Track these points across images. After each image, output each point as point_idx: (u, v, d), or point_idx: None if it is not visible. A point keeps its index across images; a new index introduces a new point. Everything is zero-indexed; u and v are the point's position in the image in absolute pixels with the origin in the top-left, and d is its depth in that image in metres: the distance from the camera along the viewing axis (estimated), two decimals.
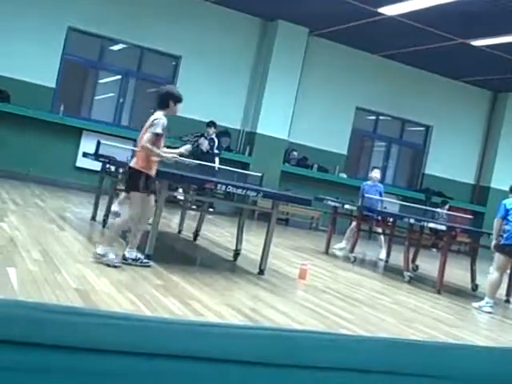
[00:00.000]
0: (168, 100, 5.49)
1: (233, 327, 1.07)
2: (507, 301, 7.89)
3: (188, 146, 6.28)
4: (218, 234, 9.48)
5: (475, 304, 6.88)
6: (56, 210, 8.53)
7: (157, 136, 5.31)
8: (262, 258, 6.38)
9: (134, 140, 11.71)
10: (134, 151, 6.16)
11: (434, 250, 12.57)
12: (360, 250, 10.04)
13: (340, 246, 10.30)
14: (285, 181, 13.89)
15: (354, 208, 9.94)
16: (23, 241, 5.63)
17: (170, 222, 9.46)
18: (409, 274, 8.02)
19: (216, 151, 12.21)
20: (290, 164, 14.49)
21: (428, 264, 10.06)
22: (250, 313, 4.59)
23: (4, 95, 11.82)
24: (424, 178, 16.49)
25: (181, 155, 5.86)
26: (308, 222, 14.39)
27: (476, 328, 5.99)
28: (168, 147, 6.07)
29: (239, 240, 6.95)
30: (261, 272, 6.35)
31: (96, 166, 9.03)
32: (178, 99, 5.53)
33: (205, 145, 12.16)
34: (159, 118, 5.39)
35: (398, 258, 9.33)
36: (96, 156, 8.15)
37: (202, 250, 7.63)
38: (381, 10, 11.63)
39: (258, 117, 13.90)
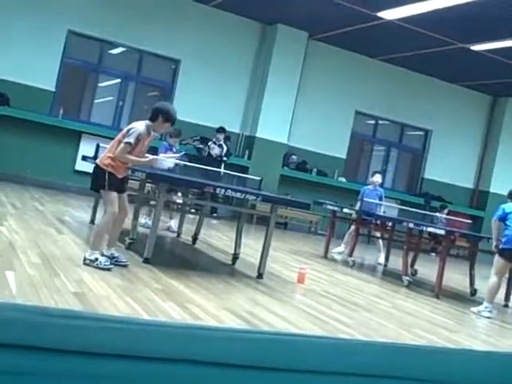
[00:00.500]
0: (158, 114, 5.45)
1: (231, 331, 1.07)
2: (506, 305, 7.89)
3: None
4: (217, 237, 9.48)
5: (474, 309, 6.88)
6: (55, 213, 8.53)
7: (129, 145, 5.31)
8: (260, 262, 6.38)
9: None
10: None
11: (432, 254, 12.56)
12: (359, 254, 10.03)
13: (339, 250, 10.29)
14: (284, 185, 13.90)
15: (353, 212, 9.95)
16: (22, 244, 5.62)
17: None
18: (407, 278, 8.02)
19: (225, 158, 12.33)
20: (289, 168, 14.50)
21: (427, 268, 10.05)
22: (249, 317, 4.59)
23: (3, 98, 11.83)
24: (423, 183, 16.50)
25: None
26: (307, 226, 14.39)
27: (474, 333, 5.99)
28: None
29: (238, 244, 6.95)
30: (259, 276, 6.34)
31: None
32: (168, 118, 5.45)
33: (215, 150, 12.27)
34: (135, 127, 5.38)
35: (396, 262, 9.33)
36: (95, 159, 8.13)
37: (200, 254, 7.62)
38: (380, 14, 11.65)
39: (257, 121, 13.91)
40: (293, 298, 5.95)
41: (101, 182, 5.39)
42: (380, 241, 10.42)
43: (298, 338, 1.11)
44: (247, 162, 13.78)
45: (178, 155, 6.96)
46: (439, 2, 10.31)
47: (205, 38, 13.51)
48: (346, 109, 15.11)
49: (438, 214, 12.58)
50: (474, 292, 8.24)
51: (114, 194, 5.40)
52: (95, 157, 8.17)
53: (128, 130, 5.38)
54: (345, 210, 10.01)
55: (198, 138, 13.36)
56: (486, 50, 12.70)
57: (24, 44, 12.02)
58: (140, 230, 7.39)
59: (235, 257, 6.94)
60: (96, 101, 13.55)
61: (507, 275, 7.73)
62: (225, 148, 12.42)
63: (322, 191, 13.98)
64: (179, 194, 8.28)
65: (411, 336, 5.00)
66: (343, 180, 15.00)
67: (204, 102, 13.49)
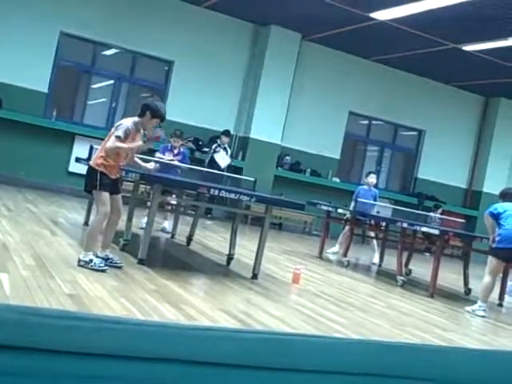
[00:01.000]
0: (146, 110, 5.49)
1: (225, 331, 1.07)
2: (500, 304, 7.92)
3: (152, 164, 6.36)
4: (212, 238, 9.47)
5: (468, 308, 6.90)
6: (49, 215, 8.51)
7: (119, 139, 5.33)
8: (255, 263, 6.38)
9: None
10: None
11: (426, 254, 12.60)
12: (353, 254, 10.05)
13: (333, 250, 10.31)
14: (278, 185, 13.90)
15: (347, 212, 9.96)
16: (15, 246, 5.61)
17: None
18: (402, 278, 8.03)
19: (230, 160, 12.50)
20: (283, 168, 14.51)
21: (421, 268, 10.08)
22: (243, 317, 4.59)
23: None
24: (416, 183, 16.54)
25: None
26: (301, 227, 14.40)
27: (469, 332, 6.01)
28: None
29: (232, 244, 6.95)
30: (254, 276, 6.35)
31: None
32: (155, 114, 5.49)
33: (220, 153, 12.35)
34: (123, 123, 5.44)
35: (391, 262, 9.35)
36: (89, 161, 8.12)
37: (195, 255, 7.62)
38: (373, 15, 11.67)
39: (250, 121, 13.91)
40: (287, 298, 5.95)
41: (93, 182, 5.39)
42: (374, 241, 10.44)
43: (291, 337, 1.11)
44: (241, 162, 13.78)
45: (174, 157, 6.96)
46: (432, 2, 10.33)
47: (198, 39, 13.50)
48: (339, 109, 15.13)
49: (431, 214, 12.62)
50: (468, 291, 8.27)
51: (106, 195, 5.39)
52: (89, 158, 8.16)
53: (116, 127, 5.44)
54: (339, 211, 10.02)
55: (192, 139, 13.36)
56: (478, 51, 12.74)
57: (17, 45, 11.99)
58: (135, 231, 7.37)
59: (230, 257, 6.94)
60: (89, 102, 13.53)
61: (501, 274, 7.76)
62: (229, 151, 12.52)
63: (316, 192, 13.99)
64: (173, 196, 8.28)
65: (406, 335, 5.02)
66: (337, 180, 15.02)
67: (197, 103, 13.49)
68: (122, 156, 5.47)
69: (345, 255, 9.20)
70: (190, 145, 13.25)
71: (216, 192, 6.05)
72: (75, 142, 12.49)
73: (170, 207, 8.74)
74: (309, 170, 14.70)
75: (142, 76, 13.65)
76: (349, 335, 4.62)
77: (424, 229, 8.11)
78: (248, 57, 14.17)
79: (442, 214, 13.18)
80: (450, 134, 16.52)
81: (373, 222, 9.89)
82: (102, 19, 12.63)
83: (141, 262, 5.87)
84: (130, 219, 6.69)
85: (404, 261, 8.83)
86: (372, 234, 10.38)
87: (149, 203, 7.52)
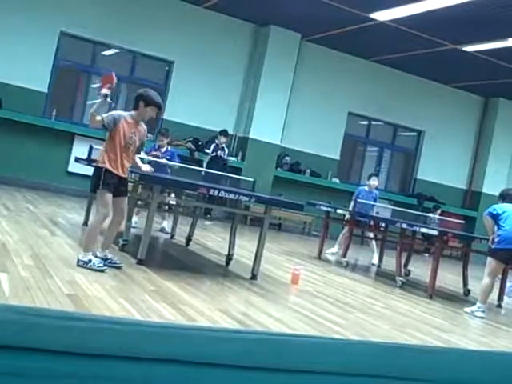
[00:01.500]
0: (138, 101, 5.50)
1: (224, 331, 1.07)
2: (499, 306, 7.92)
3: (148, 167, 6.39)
4: (211, 239, 9.47)
5: (467, 309, 6.90)
6: (48, 215, 8.51)
7: (103, 127, 5.37)
8: (254, 263, 6.38)
9: None
10: None
11: (426, 254, 12.62)
12: (352, 255, 10.05)
13: (332, 250, 10.31)
14: (277, 186, 13.90)
15: (346, 213, 9.96)
16: (15, 246, 5.60)
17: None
18: (401, 278, 8.03)
19: (230, 158, 12.70)
20: (283, 169, 14.51)
21: (420, 269, 10.08)
22: (242, 318, 4.59)
23: None
24: (416, 183, 16.55)
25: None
26: (300, 227, 14.41)
27: (468, 333, 6.01)
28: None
29: (232, 245, 6.94)
30: (253, 277, 6.34)
31: (88, 170, 8.97)
32: (148, 101, 5.48)
33: (223, 154, 12.41)
34: (116, 111, 5.55)
35: (390, 262, 9.35)
36: (88, 161, 8.14)
37: (194, 255, 7.61)
38: (373, 15, 11.68)
39: (250, 122, 13.91)
40: (286, 299, 5.95)
41: (97, 181, 5.37)
42: (373, 241, 10.44)
43: (290, 338, 1.11)
44: (240, 163, 13.79)
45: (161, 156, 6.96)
46: (431, 3, 10.34)
47: (198, 40, 13.51)
48: (338, 110, 15.14)
49: (430, 215, 12.63)
50: (467, 292, 8.26)
51: (109, 196, 5.37)
52: (88, 158, 8.18)
53: None
54: (338, 211, 10.02)
55: (191, 139, 13.36)
56: (477, 51, 12.75)
57: (16, 45, 11.99)
58: (133, 231, 7.38)
59: (229, 258, 6.94)
60: (89, 102, 13.51)
61: (500, 276, 7.76)
62: (226, 151, 12.54)
63: (316, 192, 13.99)
64: (172, 195, 8.28)
65: (405, 336, 5.01)
66: (336, 181, 15.03)
67: (197, 103, 13.49)
68: (117, 147, 5.41)
69: (344, 256, 9.20)
70: (190, 145, 13.25)
71: (215, 192, 6.05)
72: (75, 141, 12.49)
73: (167, 207, 8.73)
74: (308, 171, 14.70)
75: (141, 76, 13.64)
76: (348, 336, 4.62)
77: (423, 230, 8.10)
78: (248, 57, 14.17)
79: (441, 214, 13.19)
80: (450, 135, 16.53)
81: (372, 222, 9.89)
82: (102, 19, 12.63)
83: (140, 262, 5.87)
84: (129, 219, 6.69)
85: (403, 262, 8.83)
86: (371, 234, 10.39)
87: (139, 202, 7.52)
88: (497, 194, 7.45)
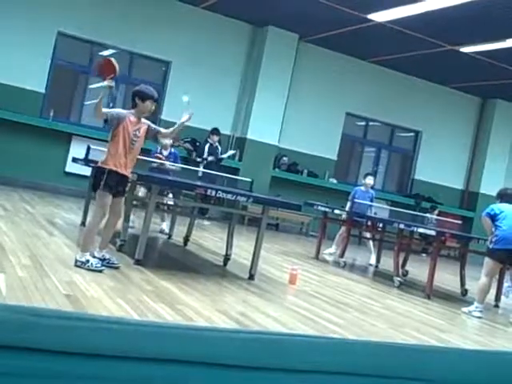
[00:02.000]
0: (134, 97, 5.53)
1: (222, 331, 1.07)
2: (496, 306, 7.93)
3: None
4: (208, 239, 9.47)
5: (465, 309, 6.91)
6: (45, 215, 8.50)
7: (105, 122, 5.45)
8: (252, 263, 6.38)
9: None
10: None
11: (423, 255, 12.62)
12: (350, 255, 10.05)
13: (330, 251, 10.31)
14: (275, 186, 13.91)
15: (344, 213, 9.97)
16: (12, 246, 5.60)
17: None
18: (399, 279, 8.04)
19: (223, 156, 12.62)
20: (280, 169, 14.52)
21: (418, 269, 10.09)
22: (240, 318, 4.59)
23: None
24: (413, 184, 16.56)
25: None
26: (298, 227, 14.41)
27: (465, 333, 6.02)
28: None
29: (229, 245, 6.94)
30: (251, 277, 6.35)
31: (86, 171, 9.00)
32: (143, 95, 5.52)
33: (218, 152, 12.41)
34: (119, 110, 5.61)
35: (387, 263, 9.36)
36: (86, 161, 8.13)
37: (192, 256, 7.61)
38: (370, 16, 11.69)
39: (248, 122, 13.91)
40: (284, 299, 5.95)
41: (98, 181, 5.36)
42: (370, 242, 10.45)
43: (288, 337, 1.11)
44: (238, 163, 13.79)
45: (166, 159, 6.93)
46: (429, 4, 10.35)
47: (195, 40, 13.51)
48: (336, 110, 15.14)
49: (428, 215, 12.64)
50: (464, 292, 8.28)
51: (109, 197, 5.38)
52: (86, 159, 8.17)
53: None
54: (336, 211, 10.03)
55: (189, 139, 13.36)
56: (475, 52, 12.77)
57: (14, 45, 11.97)
58: (131, 231, 7.37)
59: (227, 258, 6.94)
60: (86, 102, 13.51)
61: (497, 276, 7.77)
62: (220, 149, 12.52)
63: (313, 192, 14.00)
64: (170, 196, 8.28)
65: (402, 336, 5.02)
66: (334, 181, 15.03)
67: (195, 103, 13.30)
68: (121, 145, 5.40)
69: (341, 256, 9.20)
70: (188, 146, 13.25)
71: (213, 192, 6.05)
72: (72, 142, 12.48)
73: (165, 207, 8.72)
74: (306, 171, 14.71)
75: (139, 76, 13.62)
76: (345, 336, 4.63)
77: (421, 230, 8.11)
78: (245, 58, 14.17)
79: (438, 215, 13.20)
80: (447, 136, 16.55)
81: (370, 222, 9.90)
82: (100, 19, 12.62)
83: (138, 262, 5.86)
84: (126, 219, 6.68)
85: (401, 262, 8.83)
86: (368, 235, 10.39)
87: (134, 202, 7.51)
88: (494, 194, 7.46)
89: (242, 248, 8.29)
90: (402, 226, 8.12)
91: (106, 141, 5.69)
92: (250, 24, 14.05)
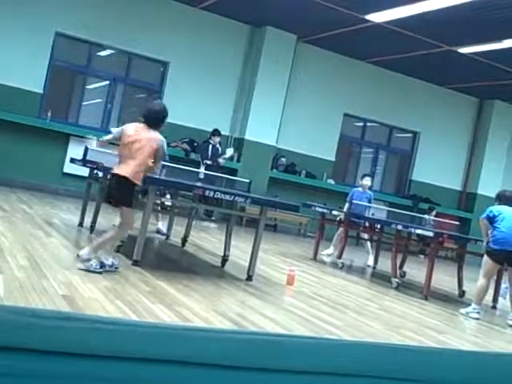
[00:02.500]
0: (163, 119, 5.49)
1: (219, 332, 1.07)
2: (494, 307, 7.93)
3: None
4: (206, 240, 9.47)
5: (462, 310, 6.92)
6: (43, 216, 8.49)
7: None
8: (250, 264, 6.38)
9: None
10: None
11: (421, 256, 12.63)
12: (348, 256, 10.06)
13: (328, 251, 10.31)
14: (273, 187, 13.91)
15: (342, 214, 9.97)
16: (10, 247, 5.59)
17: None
18: (396, 280, 8.05)
19: (225, 157, 12.71)
20: (278, 170, 14.52)
21: (415, 270, 10.10)
22: (238, 319, 4.59)
23: None
24: (411, 185, 16.57)
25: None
26: (296, 228, 14.41)
27: (463, 334, 6.02)
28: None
29: (227, 246, 6.94)
30: (249, 278, 6.35)
31: (83, 171, 8.99)
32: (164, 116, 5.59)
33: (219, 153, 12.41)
34: (163, 140, 5.42)
35: (385, 264, 9.36)
36: (83, 162, 8.12)
37: (190, 256, 7.61)
38: (368, 17, 11.70)
39: (246, 123, 13.92)
40: (282, 300, 5.95)
41: (128, 197, 5.28)
42: (368, 243, 10.45)
43: (286, 338, 1.11)
44: (236, 164, 13.78)
45: None
46: (427, 4, 10.36)
47: (193, 41, 13.51)
48: (334, 111, 15.15)
49: (426, 216, 12.65)
50: (462, 293, 8.29)
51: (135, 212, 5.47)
52: (84, 159, 8.15)
53: (156, 142, 5.32)
54: (334, 212, 10.03)
55: (187, 140, 13.36)
56: (473, 53, 12.78)
57: (11, 46, 11.96)
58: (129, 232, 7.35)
59: (225, 259, 6.94)
60: (84, 103, 13.50)
61: (495, 277, 7.78)
62: (220, 150, 12.55)
63: (311, 193, 14.01)
64: (168, 196, 8.27)
65: (400, 337, 5.02)
66: (332, 182, 15.04)
67: (193, 104, 13.49)
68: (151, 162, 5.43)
69: (339, 257, 9.20)
70: (185, 146, 13.25)
71: (211, 193, 6.05)
72: (70, 142, 12.46)
73: (159, 208, 8.71)
74: (304, 172, 14.71)
75: (137, 77, 13.63)
76: (343, 337, 4.63)
77: (418, 231, 8.12)
78: (243, 58, 14.18)
79: (436, 216, 13.21)
80: (445, 136, 16.57)
81: (367, 223, 9.90)
82: (98, 20, 12.61)
83: (135, 263, 5.86)
84: None
85: (398, 263, 8.84)
86: (366, 236, 10.39)
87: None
88: (492, 195, 7.48)
89: (240, 249, 8.29)
90: (399, 227, 8.13)
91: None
92: (248, 24, 14.06)
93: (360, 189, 10.47)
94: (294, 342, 1.08)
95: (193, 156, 13.08)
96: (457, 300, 8.05)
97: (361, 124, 16.13)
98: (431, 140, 16.39)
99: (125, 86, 13.65)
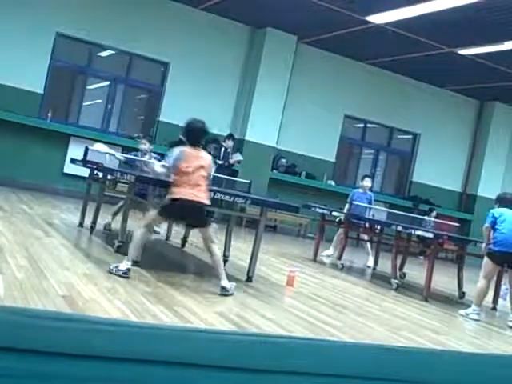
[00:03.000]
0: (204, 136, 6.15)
1: (219, 333, 1.07)
2: (494, 308, 7.93)
3: None
4: None
5: (462, 311, 6.91)
6: (43, 216, 8.48)
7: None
8: (249, 265, 6.38)
9: (122, 146, 11.76)
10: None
11: (421, 257, 12.63)
12: (348, 257, 10.05)
13: (328, 252, 10.31)
14: (273, 188, 13.90)
15: (342, 215, 9.96)
16: (10, 247, 5.59)
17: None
18: (396, 281, 8.04)
19: (237, 159, 12.73)
20: (279, 171, 14.52)
21: (415, 271, 10.09)
22: (238, 320, 4.59)
23: None
24: (411, 186, 16.57)
25: None
26: (296, 229, 14.41)
27: (463, 335, 6.02)
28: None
29: (227, 247, 6.94)
30: (249, 279, 6.34)
31: (84, 172, 8.98)
32: None
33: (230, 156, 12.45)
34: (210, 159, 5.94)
35: (385, 265, 9.36)
36: (84, 162, 8.12)
37: (190, 257, 7.61)
38: (369, 18, 11.70)
39: (246, 124, 13.92)
40: (282, 301, 5.95)
41: (207, 218, 5.66)
42: (368, 244, 10.44)
43: (286, 339, 1.11)
44: (236, 165, 13.77)
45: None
46: (427, 6, 10.36)
47: (194, 41, 13.51)
48: (334, 112, 15.15)
49: (426, 218, 12.65)
50: (462, 295, 8.28)
51: None
52: (84, 159, 8.14)
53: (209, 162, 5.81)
54: (334, 214, 10.02)
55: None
56: (473, 55, 12.78)
57: (12, 46, 11.96)
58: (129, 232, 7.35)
59: (224, 260, 6.92)
60: (85, 103, 13.51)
61: (495, 278, 7.78)
62: (231, 153, 12.63)
63: (311, 194, 14.00)
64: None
65: (400, 338, 5.02)
66: (332, 183, 15.04)
67: (193, 104, 13.47)
68: None
69: (339, 258, 9.20)
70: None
71: (211, 194, 6.04)
72: (70, 143, 12.47)
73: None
74: (304, 173, 14.71)
75: (137, 77, 13.63)
76: (343, 338, 4.62)
77: (418, 232, 8.12)
78: (244, 59, 14.18)
79: (436, 217, 13.21)
80: (445, 138, 16.57)
81: (367, 225, 9.90)
82: (98, 20, 12.62)
83: (136, 263, 5.85)
84: (125, 220, 6.67)
85: (398, 264, 8.84)
86: (366, 237, 10.39)
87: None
88: (492, 197, 7.48)
89: (240, 250, 8.28)
90: (399, 228, 8.13)
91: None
92: (249, 25, 14.06)
93: (360, 190, 10.47)
94: (294, 344, 1.08)
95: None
96: (457, 301, 8.05)
97: (361, 125, 16.13)
98: (431, 141, 16.39)
99: (125, 86, 13.65)
